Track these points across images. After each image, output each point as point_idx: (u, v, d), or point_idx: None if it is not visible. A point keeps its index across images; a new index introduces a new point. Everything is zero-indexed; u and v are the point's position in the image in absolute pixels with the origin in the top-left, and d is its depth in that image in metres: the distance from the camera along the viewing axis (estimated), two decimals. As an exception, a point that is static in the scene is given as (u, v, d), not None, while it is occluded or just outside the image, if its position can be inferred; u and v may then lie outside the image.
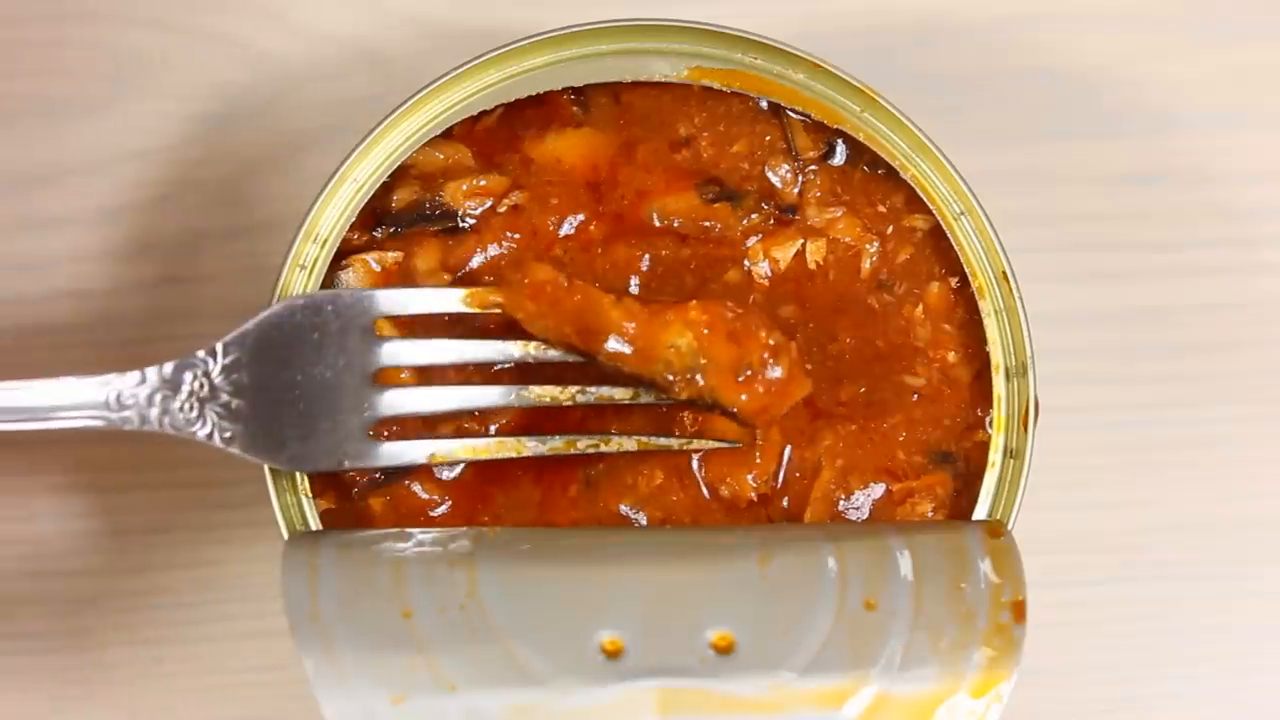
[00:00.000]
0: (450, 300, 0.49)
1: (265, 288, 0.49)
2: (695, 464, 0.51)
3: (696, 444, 0.50)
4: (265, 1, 0.59)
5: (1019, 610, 0.46)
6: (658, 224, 0.51)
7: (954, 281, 0.52)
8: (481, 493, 0.51)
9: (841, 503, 0.51)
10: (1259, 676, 0.60)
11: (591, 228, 0.51)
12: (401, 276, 0.51)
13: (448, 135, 0.51)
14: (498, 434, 0.50)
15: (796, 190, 0.52)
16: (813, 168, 0.52)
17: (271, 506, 0.49)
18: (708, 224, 0.51)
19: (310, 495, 0.49)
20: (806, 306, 0.52)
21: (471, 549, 0.47)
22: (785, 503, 0.51)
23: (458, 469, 0.51)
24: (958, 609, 0.46)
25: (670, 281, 0.51)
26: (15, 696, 0.58)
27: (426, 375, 0.50)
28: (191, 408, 0.47)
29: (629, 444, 0.50)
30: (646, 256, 0.51)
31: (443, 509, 0.51)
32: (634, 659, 0.45)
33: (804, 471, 0.51)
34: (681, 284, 0.51)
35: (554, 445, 0.50)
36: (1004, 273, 0.51)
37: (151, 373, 0.47)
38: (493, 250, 0.51)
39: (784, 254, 0.52)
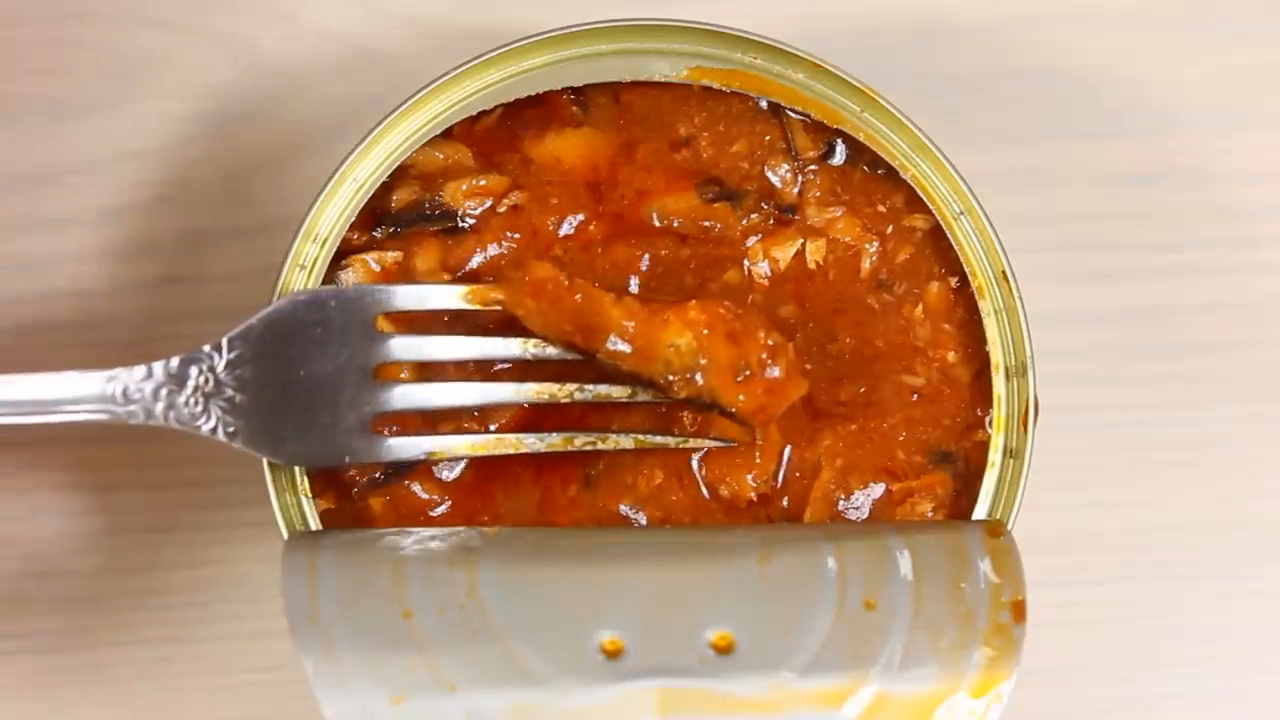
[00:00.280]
0: (451, 297, 0.49)
1: (265, 288, 0.49)
2: (695, 464, 0.51)
3: (693, 442, 0.50)
4: (266, 2, 0.59)
5: (1019, 610, 0.46)
6: (658, 224, 0.51)
7: (954, 281, 0.52)
8: (481, 493, 0.51)
9: (841, 502, 0.51)
10: (1259, 676, 0.60)
11: (591, 228, 0.51)
12: (401, 276, 0.51)
13: (448, 135, 0.51)
14: (497, 432, 0.50)
15: (796, 190, 0.52)
16: (813, 168, 0.52)
17: (271, 506, 0.49)
18: (707, 224, 0.51)
19: (310, 495, 0.49)
20: (806, 306, 0.52)
21: (471, 549, 0.47)
22: (785, 503, 0.51)
23: (458, 469, 0.51)
24: (958, 609, 0.46)
25: (670, 281, 0.51)
26: (15, 696, 0.58)
27: (426, 372, 0.50)
28: (196, 402, 0.47)
29: (626, 442, 0.50)
30: (646, 256, 0.51)
31: (443, 509, 0.51)
32: (634, 659, 0.45)
33: (804, 471, 0.51)
34: (681, 284, 0.51)
35: (552, 442, 0.50)
36: (1004, 273, 0.51)
37: (157, 367, 0.47)
38: (493, 250, 0.51)
39: (784, 254, 0.52)
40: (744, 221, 0.52)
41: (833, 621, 0.46)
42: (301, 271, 0.50)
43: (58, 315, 0.58)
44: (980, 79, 0.59)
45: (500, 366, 0.51)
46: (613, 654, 0.45)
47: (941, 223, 0.51)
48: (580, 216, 0.51)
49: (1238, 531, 0.60)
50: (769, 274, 0.52)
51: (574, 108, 0.52)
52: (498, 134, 0.52)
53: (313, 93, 0.59)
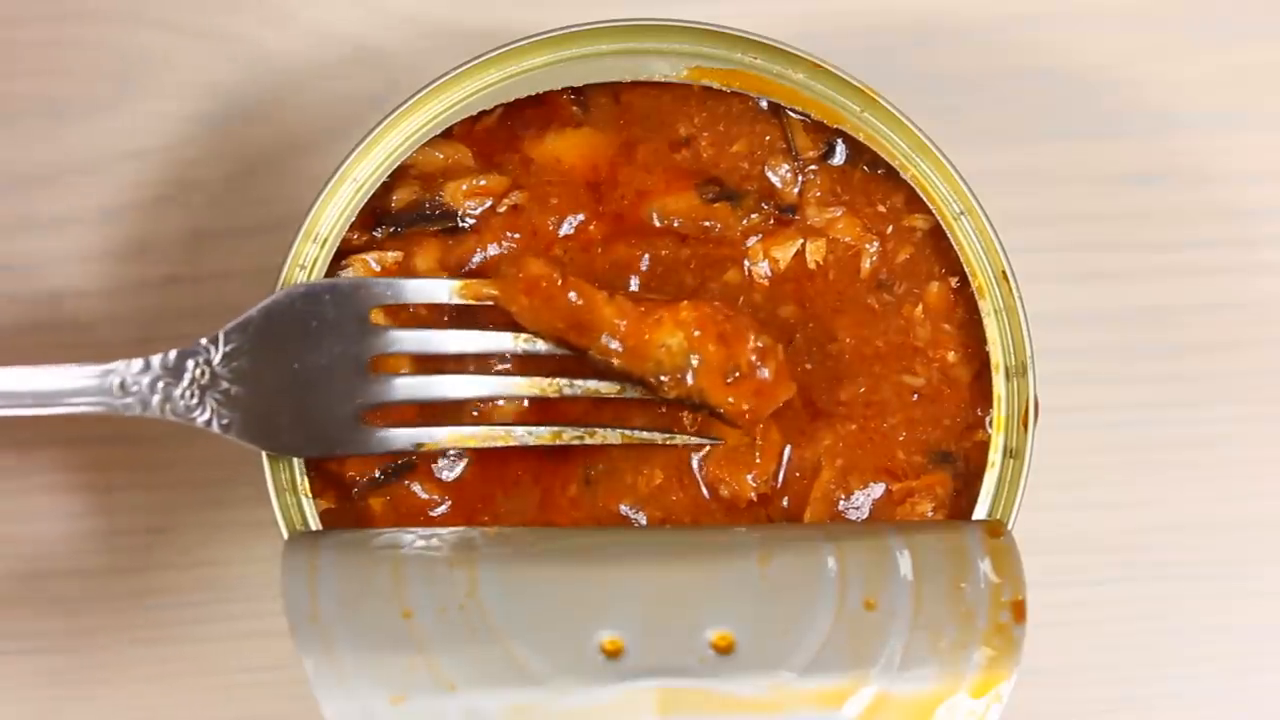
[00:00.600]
0: (444, 290, 0.49)
1: (265, 288, 0.49)
2: (695, 464, 0.51)
3: (681, 439, 0.50)
4: (266, 2, 0.59)
5: (1019, 610, 0.46)
6: (658, 224, 0.51)
7: (954, 281, 0.52)
8: (481, 493, 0.51)
9: (841, 502, 0.51)
10: (1259, 676, 0.60)
11: (591, 228, 0.51)
12: (401, 276, 0.51)
13: (448, 135, 0.51)
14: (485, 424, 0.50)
15: (796, 190, 0.52)
16: (813, 168, 0.52)
17: (271, 506, 0.49)
18: (707, 224, 0.51)
19: (310, 495, 0.49)
20: (806, 306, 0.52)
21: (471, 549, 0.47)
22: (785, 503, 0.51)
23: (458, 469, 0.51)
24: (958, 609, 0.46)
25: (670, 281, 0.51)
26: (15, 696, 0.58)
27: (419, 366, 0.50)
28: (192, 395, 0.47)
29: (613, 436, 0.50)
30: (646, 256, 0.51)
31: (443, 509, 0.51)
32: (634, 659, 0.45)
33: (804, 471, 0.51)
34: (681, 284, 0.51)
35: (540, 435, 0.50)
36: (1004, 272, 0.51)
37: (154, 360, 0.47)
38: (492, 250, 0.51)
39: (784, 254, 0.52)
40: (744, 221, 0.52)
41: (833, 621, 0.46)
42: (301, 271, 0.50)
43: (58, 315, 0.58)
44: (980, 79, 0.59)
45: (498, 365, 0.51)
46: (613, 654, 0.45)
47: (941, 223, 0.51)
48: (580, 216, 0.51)
49: (1238, 531, 0.60)
50: (769, 274, 0.52)
51: (574, 108, 0.52)
52: (498, 134, 0.52)
53: (313, 93, 0.59)
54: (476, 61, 0.50)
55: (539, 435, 0.50)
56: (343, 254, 0.50)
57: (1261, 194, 0.60)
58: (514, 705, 0.44)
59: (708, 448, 0.51)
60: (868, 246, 0.52)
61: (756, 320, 0.50)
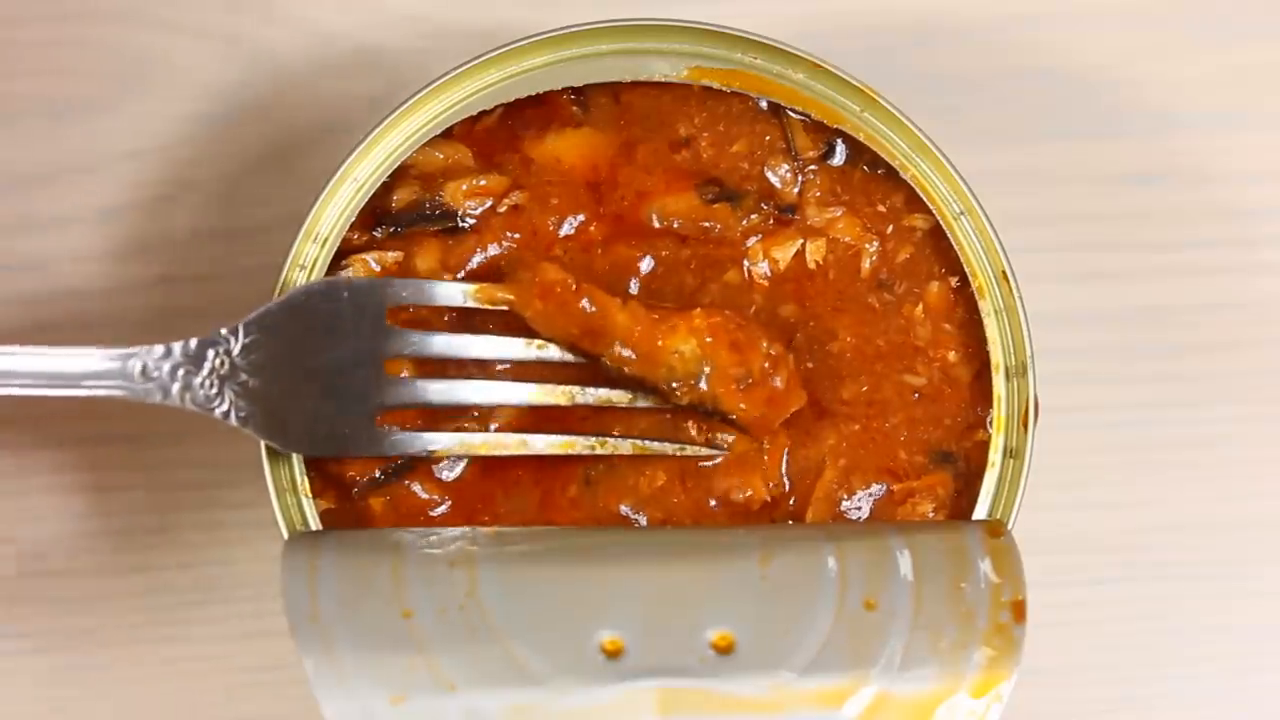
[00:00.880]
0: (458, 294, 0.49)
1: (265, 288, 0.49)
2: (698, 465, 0.51)
3: (691, 450, 0.50)
4: (266, 2, 0.59)
5: (1019, 610, 0.46)
6: (657, 224, 0.51)
7: (954, 281, 0.52)
8: (481, 493, 0.51)
9: (843, 502, 0.51)
10: (1259, 676, 0.60)
11: (591, 228, 0.51)
12: (401, 276, 0.51)
13: (448, 135, 0.51)
14: (499, 431, 0.50)
15: (796, 190, 0.52)
16: (812, 168, 0.52)
17: (271, 506, 0.49)
18: (707, 224, 0.51)
19: (310, 495, 0.49)
20: (806, 306, 0.52)
21: (471, 549, 0.47)
22: (790, 503, 0.51)
23: (458, 469, 0.51)
24: (958, 609, 0.46)
25: (670, 282, 0.51)
26: (15, 696, 0.58)
27: (429, 369, 0.50)
28: (211, 385, 0.47)
29: (625, 447, 0.50)
30: (646, 257, 0.51)
31: (443, 509, 0.51)
32: (634, 659, 0.45)
33: (807, 471, 0.51)
34: (681, 284, 0.51)
35: (553, 444, 0.50)
36: (1004, 272, 0.51)
37: (176, 347, 0.47)
38: (493, 250, 0.51)
39: (784, 254, 0.52)
40: (744, 222, 0.52)
41: (833, 621, 0.46)
42: (301, 271, 0.50)
43: (58, 315, 0.58)
44: (980, 79, 0.59)
45: (503, 366, 0.51)
46: (613, 654, 0.45)
47: (941, 223, 0.51)
48: (580, 217, 0.51)
49: (1238, 531, 0.60)
50: (769, 274, 0.52)
51: (574, 108, 0.52)
52: (498, 134, 0.52)
53: (313, 93, 0.59)
54: (476, 61, 0.50)
55: (552, 444, 0.50)
56: (343, 254, 0.50)
57: (1261, 194, 0.60)
58: (514, 705, 0.44)
59: (719, 457, 0.51)
60: (868, 246, 0.52)
61: (764, 326, 0.50)
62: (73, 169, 0.58)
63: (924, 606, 0.46)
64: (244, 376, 0.47)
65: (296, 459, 0.49)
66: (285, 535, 0.49)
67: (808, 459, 0.51)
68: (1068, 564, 0.59)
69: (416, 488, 0.50)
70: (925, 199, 0.51)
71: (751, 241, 0.52)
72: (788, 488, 0.51)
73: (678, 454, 0.50)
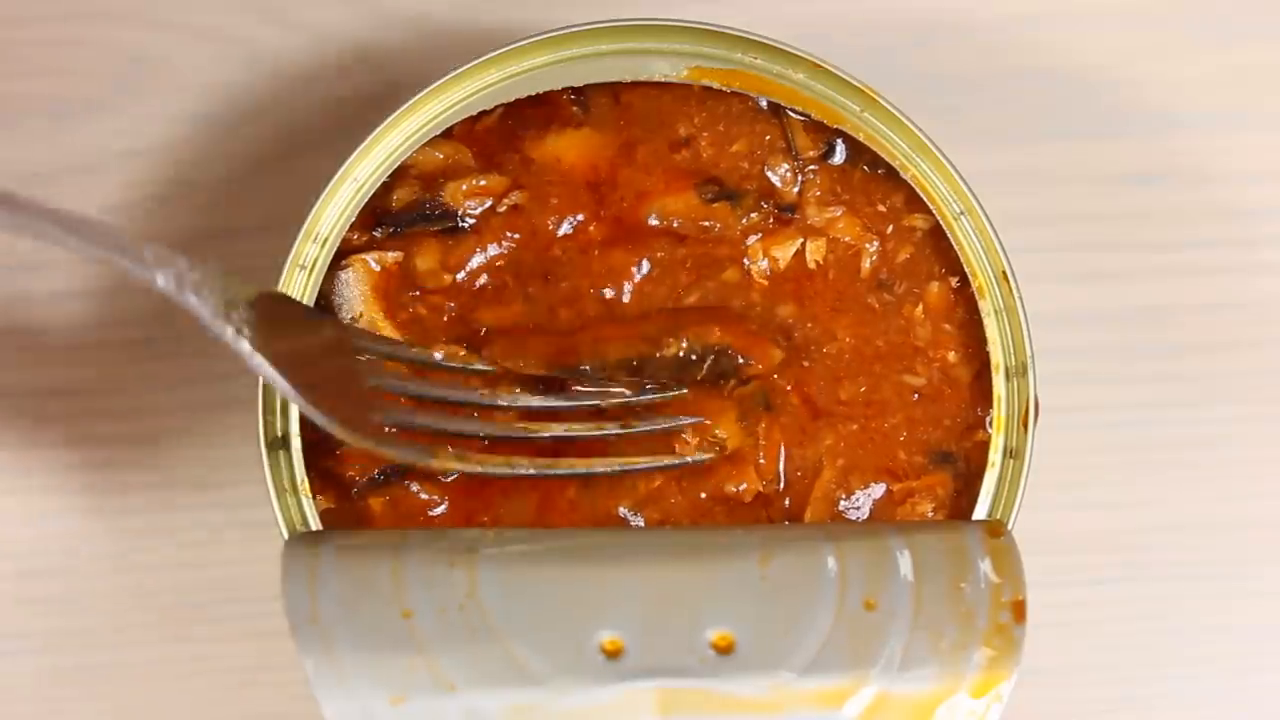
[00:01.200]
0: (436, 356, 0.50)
1: (265, 288, 0.49)
2: (695, 464, 0.51)
3: (666, 460, 0.50)
4: (266, 2, 0.59)
5: (1019, 610, 0.46)
6: (657, 224, 0.51)
7: (954, 281, 0.52)
8: (481, 494, 0.51)
9: (842, 502, 0.51)
10: (1259, 676, 0.60)
11: (591, 228, 0.51)
12: (401, 276, 0.51)
13: (448, 135, 0.51)
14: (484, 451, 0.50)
15: (796, 190, 0.52)
16: (812, 167, 0.52)
17: (271, 506, 0.49)
18: (707, 224, 0.51)
19: (310, 495, 0.49)
20: (805, 306, 0.52)
21: (471, 549, 0.47)
22: (786, 503, 0.51)
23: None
24: (958, 609, 0.46)
25: (668, 281, 0.51)
26: (15, 696, 0.58)
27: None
28: (220, 308, 0.45)
29: (602, 467, 0.50)
30: (646, 256, 0.51)
31: (442, 509, 0.51)
32: (634, 659, 0.45)
33: (805, 471, 0.51)
34: (679, 283, 0.51)
35: (523, 470, 0.50)
36: (1004, 272, 0.51)
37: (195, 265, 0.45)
38: (492, 250, 0.51)
39: (783, 253, 0.52)
40: (744, 221, 0.52)
41: (833, 621, 0.46)
42: (301, 271, 0.50)
43: (57, 315, 0.58)
44: (980, 79, 0.59)
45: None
46: (613, 654, 0.45)
47: (941, 223, 0.51)
48: (580, 216, 0.51)
49: (1238, 531, 0.60)
50: (769, 273, 0.52)
51: (574, 108, 0.52)
52: (498, 134, 0.52)
53: (313, 93, 0.59)
54: (476, 61, 0.50)
55: (539, 465, 0.50)
56: (343, 254, 0.50)
57: (1261, 194, 0.60)
58: (514, 705, 0.44)
59: (708, 459, 0.51)
60: (868, 246, 0.52)
61: (756, 320, 0.50)
62: (73, 169, 0.58)
63: (924, 606, 0.46)
64: (247, 330, 0.45)
65: (297, 459, 0.49)
66: (285, 535, 0.49)
67: (805, 459, 0.51)
68: (1068, 564, 0.59)
69: (416, 488, 0.50)
70: (925, 199, 0.51)
71: (751, 241, 0.52)
72: (782, 486, 0.51)
73: (657, 468, 0.50)
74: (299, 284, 0.50)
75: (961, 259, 0.51)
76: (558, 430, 0.50)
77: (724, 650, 0.45)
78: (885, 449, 0.51)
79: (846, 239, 0.52)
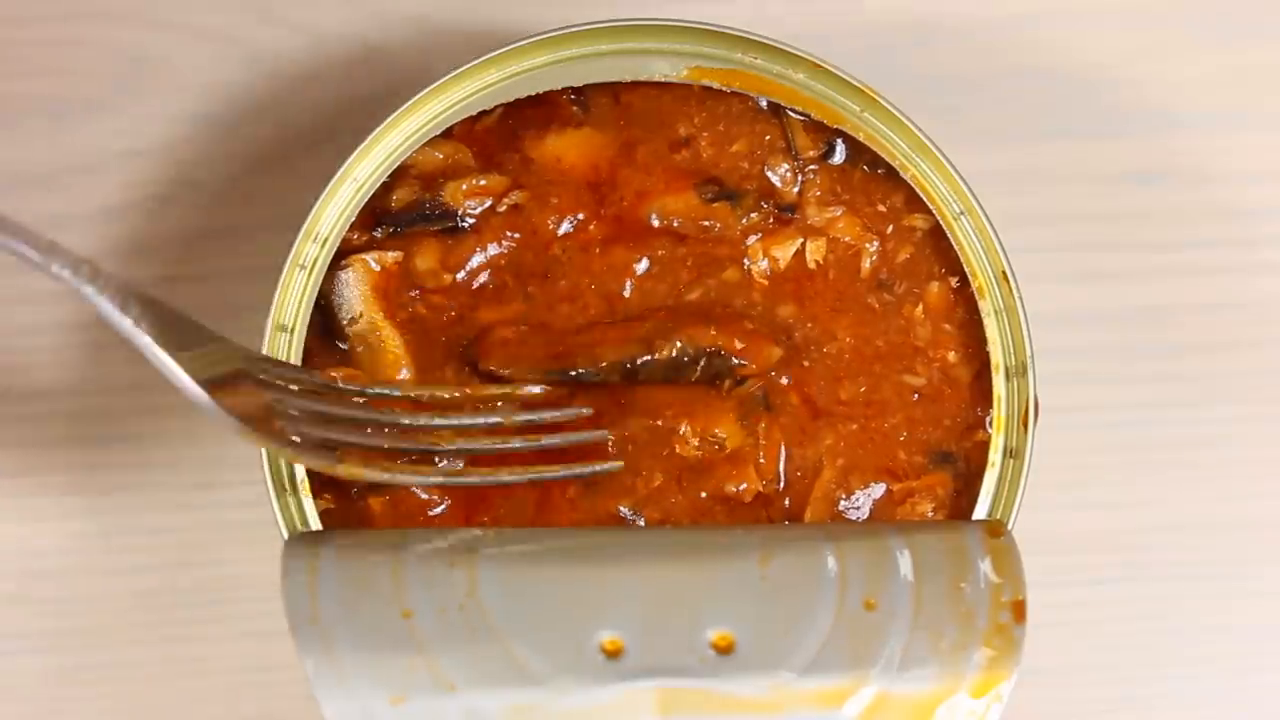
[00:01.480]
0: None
1: (265, 288, 0.49)
2: (695, 464, 0.51)
3: (578, 469, 0.50)
4: (266, 2, 0.59)
5: (1019, 610, 0.46)
6: (657, 224, 0.51)
7: (954, 281, 0.52)
8: (480, 493, 0.51)
9: (842, 502, 0.51)
10: (1259, 676, 0.60)
11: (591, 227, 0.51)
12: (401, 276, 0.51)
13: (448, 135, 0.51)
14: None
15: (796, 190, 0.52)
16: (812, 167, 0.52)
17: (271, 506, 0.49)
18: (707, 223, 0.51)
19: (310, 495, 0.49)
20: (806, 306, 0.52)
21: (471, 549, 0.47)
22: (786, 503, 0.51)
23: (456, 469, 0.51)
24: (958, 609, 0.46)
25: (669, 280, 0.51)
26: (15, 696, 0.58)
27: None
28: (114, 299, 0.44)
29: (505, 475, 0.50)
30: (646, 256, 0.51)
31: (442, 509, 0.51)
32: (634, 659, 0.45)
33: (805, 471, 0.51)
34: (680, 282, 0.51)
35: (432, 479, 0.50)
36: (1004, 272, 0.51)
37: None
38: (492, 250, 0.51)
39: (784, 253, 0.52)
40: (744, 220, 0.52)
41: (833, 621, 0.46)
42: (301, 271, 0.50)
43: (57, 315, 0.58)
44: (980, 79, 0.59)
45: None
46: (613, 654, 0.45)
47: (941, 223, 0.51)
48: (580, 216, 0.51)
49: (1238, 531, 0.60)
50: (769, 273, 0.52)
51: (574, 108, 0.52)
52: (498, 134, 0.52)
53: (313, 92, 0.59)
54: (476, 61, 0.50)
55: (446, 473, 0.50)
56: (343, 254, 0.50)
57: (1261, 194, 0.60)
58: (514, 705, 0.44)
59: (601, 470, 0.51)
60: (868, 246, 0.52)
61: (753, 319, 0.50)
62: (73, 169, 0.58)
63: (924, 606, 0.46)
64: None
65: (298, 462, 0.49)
66: (285, 535, 0.49)
67: (805, 459, 0.51)
68: (1068, 564, 0.59)
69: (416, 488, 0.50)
70: (925, 199, 0.51)
71: (751, 240, 0.52)
72: (782, 486, 0.51)
73: (564, 476, 0.50)
74: (299, 284, 0.50)
75: (961, 259, 0.51)
76: (461, 444, 0.49)
77: (724, 650, 0.45)
78: (885, 449, 0.51)
79: (846, 239, 0.52)
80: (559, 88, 0.51)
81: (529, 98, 0.51)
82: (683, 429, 0.51)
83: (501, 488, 0.50)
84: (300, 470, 0.49)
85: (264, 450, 0.49)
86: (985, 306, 0.51)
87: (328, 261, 0.50)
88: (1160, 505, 0.60)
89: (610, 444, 0.50)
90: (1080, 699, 0.60)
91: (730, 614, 0.46)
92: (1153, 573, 0.60)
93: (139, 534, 0.58)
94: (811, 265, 0.52)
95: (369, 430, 0.49)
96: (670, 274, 0.51)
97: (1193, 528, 0.60)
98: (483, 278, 0.51)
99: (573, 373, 0.50)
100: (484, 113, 0.51)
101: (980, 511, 0.51)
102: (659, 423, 0.50)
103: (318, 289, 0.50)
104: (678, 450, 0.51)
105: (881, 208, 0.52)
